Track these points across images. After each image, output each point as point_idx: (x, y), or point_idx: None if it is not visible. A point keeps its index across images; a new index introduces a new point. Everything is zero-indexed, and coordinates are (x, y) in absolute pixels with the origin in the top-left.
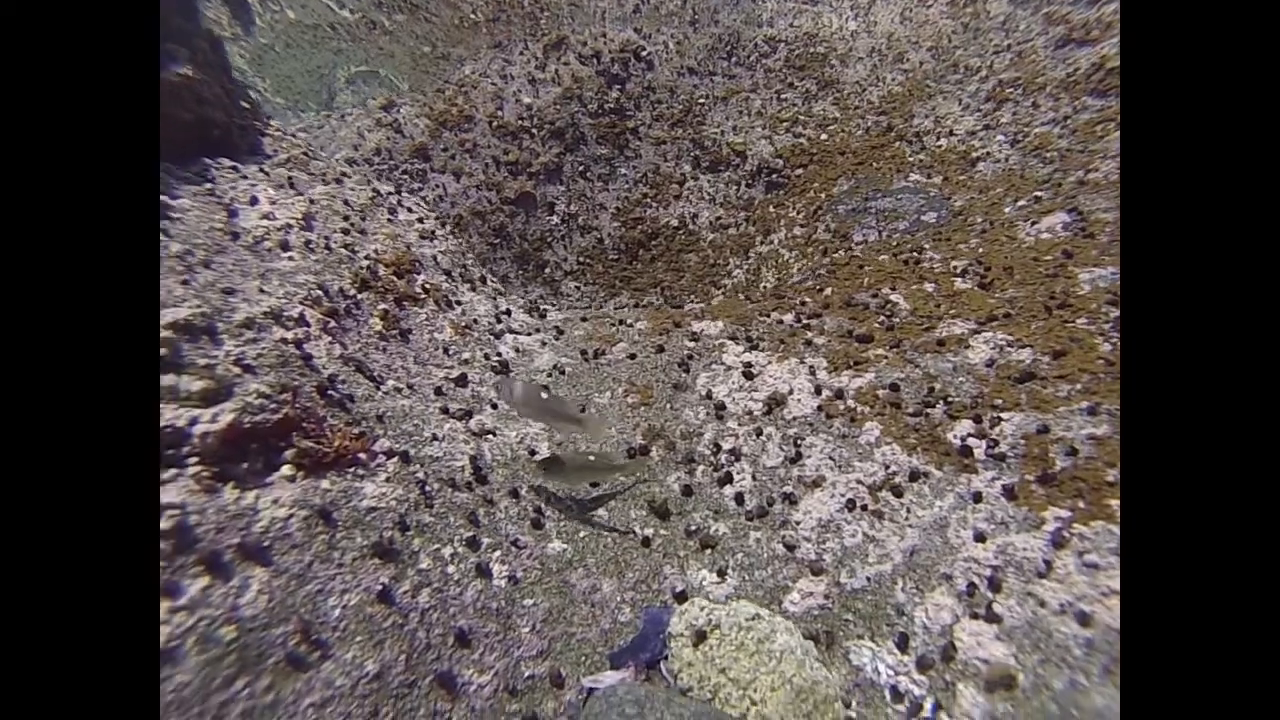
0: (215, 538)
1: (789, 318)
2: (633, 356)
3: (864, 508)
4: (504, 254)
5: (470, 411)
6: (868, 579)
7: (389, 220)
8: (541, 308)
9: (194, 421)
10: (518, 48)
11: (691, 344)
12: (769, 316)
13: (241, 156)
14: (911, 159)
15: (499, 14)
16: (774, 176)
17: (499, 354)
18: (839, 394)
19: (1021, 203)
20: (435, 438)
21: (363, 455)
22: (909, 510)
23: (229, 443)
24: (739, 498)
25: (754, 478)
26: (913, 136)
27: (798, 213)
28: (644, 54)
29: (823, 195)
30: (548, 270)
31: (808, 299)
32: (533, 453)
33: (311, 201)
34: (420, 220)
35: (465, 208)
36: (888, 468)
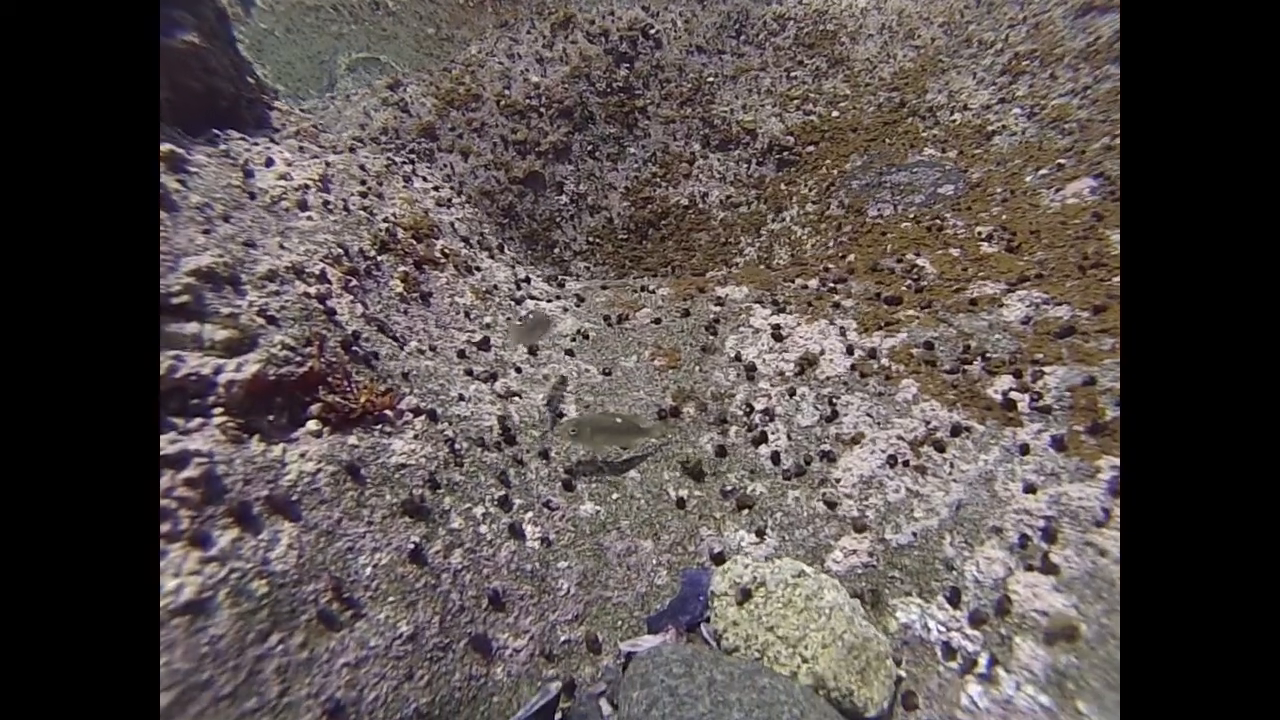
0: (243, 489)
1: (813, 283)
2: (658, 321)
3: (906, 463)
4: (513, 234)
5: (495, 374)
6: (914, 535)
7: (404, 187)
8: (559, 278)
9: (219, 371)
10: (524, 26)
11: (717, 308)
12: (793, 282)
13: (249, 129)
14: (925, 134)
15: None
16: (785, 154)
17: (522, 318)
18: (872, 353)
19: (1044, 171)
20: (462, 397)
21: (389, 412)
22: (953, 465)
23: (254, 394)
24: (775, 457)
25: (789, 437)
26: (926, 112)
27: (809, 189)
28: (652, 32)
29: (835, 172)
30: (557, 250)
31: (831, 265)
32: (559, 415)
33: (327, 165)
34: (435, 189)
35: (474, 187)
36: (928, 423)
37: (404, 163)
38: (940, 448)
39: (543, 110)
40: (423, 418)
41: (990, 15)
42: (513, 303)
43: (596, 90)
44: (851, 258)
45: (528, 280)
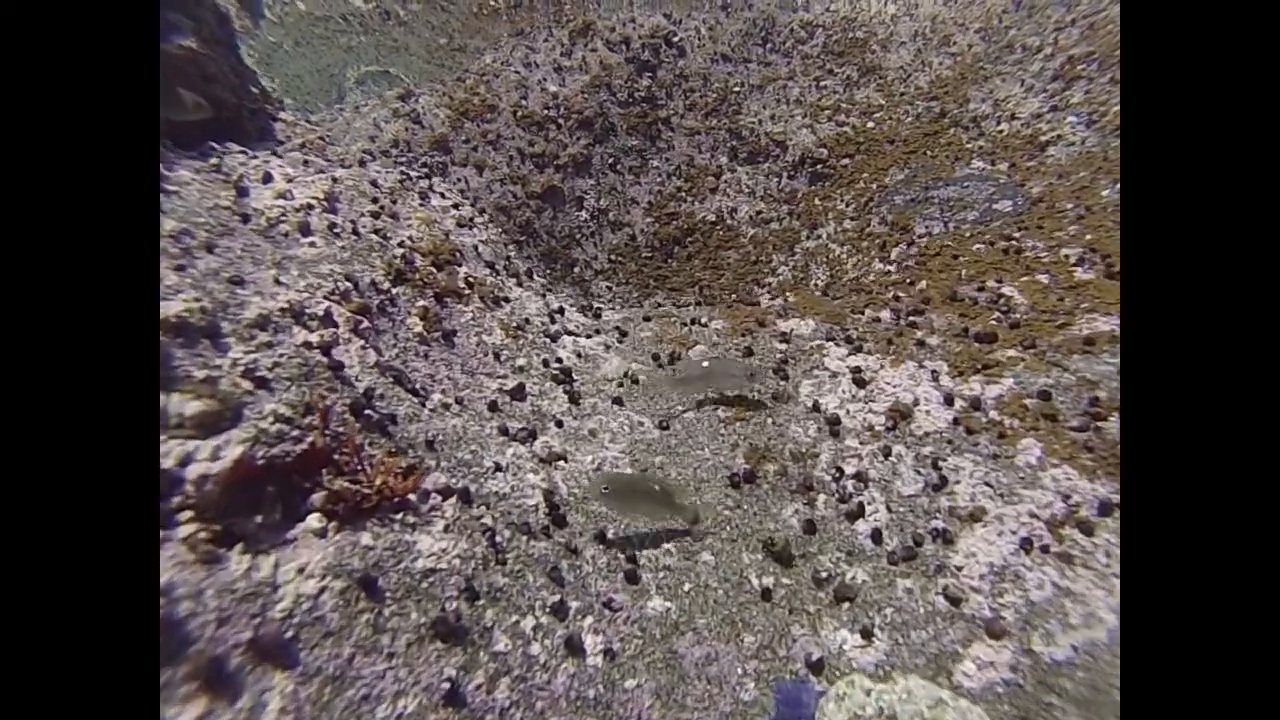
0: (216, 634)
1: (886, 315)
2: (717, 361)
3: (1045, 549)
4: (530, 252)
5: (533, 431)
6: (1074, 649)
7: (421, 205)
8: (595, 306)
9: (188, 460)
10: (541, 35)
11: (783, 345)
12: (862, 314)
13: (251, 142)
14: (970, 145)
15: (521, 0)
16: (818, 167)
17: (559, 359)
18: (975, 404)
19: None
20: (498, 467)
21: (412, 496)
22: (1109, 554)
23: (236, 486)
24: (876, 535)
25: (889, 508)
26: (969, 122)
27: (846, 205)
28: (675, 40)
29: (874, 186)
30: (577, 269)
31: (901, 294)
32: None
33: (334, 180)
34: (455, 206)
35: (489, 203)
36: (1066, 497)
37: (419, 177)
38: (1088, 530)
39: (561, 121)
40: (454, 500)
41: (1032, 19)
42: (547, 339)
43: (617, 100)
44: (924, 285)
45: (561, 311)
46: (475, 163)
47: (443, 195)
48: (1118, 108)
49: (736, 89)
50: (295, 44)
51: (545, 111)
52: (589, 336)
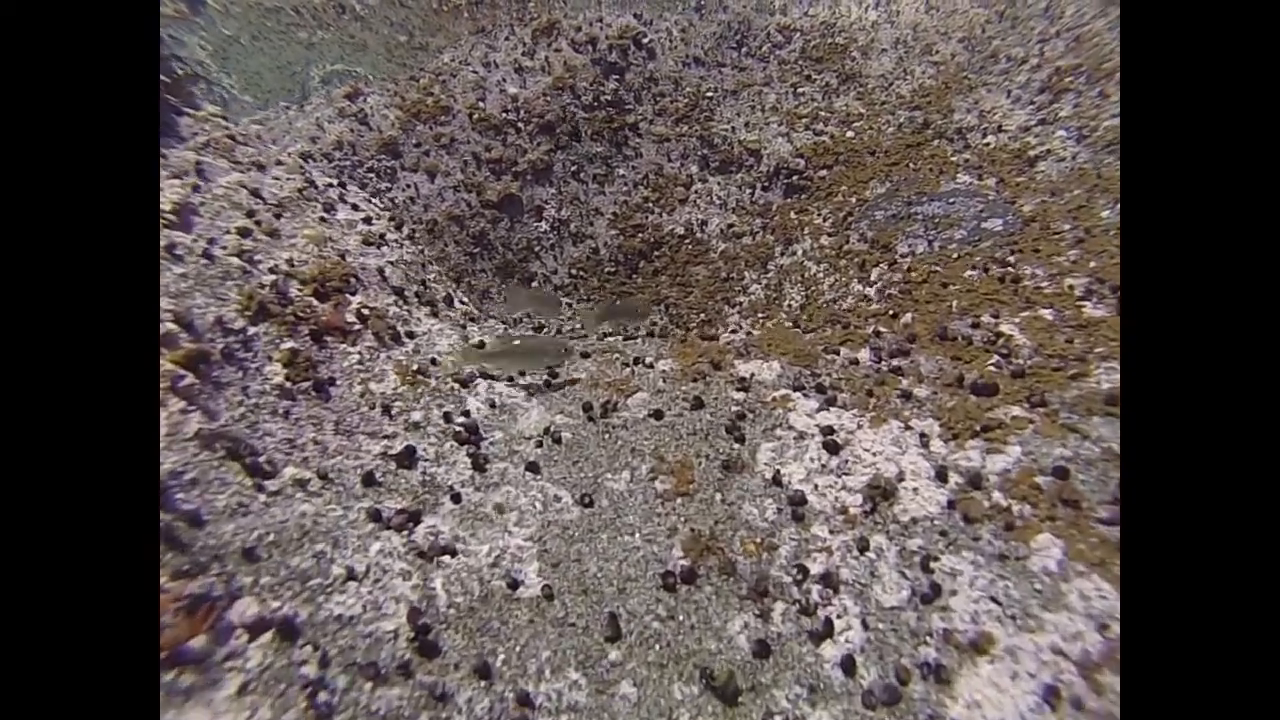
0: None
1: (865, 355)
2: (659, 415)
3: (1079, 705)
4: (484, 265)
5: (417, 512)
6: None
7: (321, 220)
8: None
9: None
10: (503, 33)
11: (740, 395)
12: (837, 353)
13: None
14: (956, 159)
15: None
16: (794, 179)
17: (465, 412)
18: (975, 480)
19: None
20: (352, 575)
21: (198, 641)
22: None
23: None
24: (847, 664)
25: (866, 625)
26: (954, 134)
27: (824, 219)
28: (645, 41)
29: (853, 199)
30: (535, 284)
31: (882, 328)
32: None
33: (196, 189)
34: (368, 220)
35: (440, 211)
36: (1102, 626)
37: (330, 184)
38: None
39: (521, 125)
40: (268, 638)
41: (1015, 30)
42: (456, 385)
43: (582, 104)
44: (909, 318)
45: (481, 346)
46: (427, 168)
47: (354, 207)
48: (1109, 122)
49: (709, 94)
50: (252, 38)
51: (504, 114)
52: (510, 380)
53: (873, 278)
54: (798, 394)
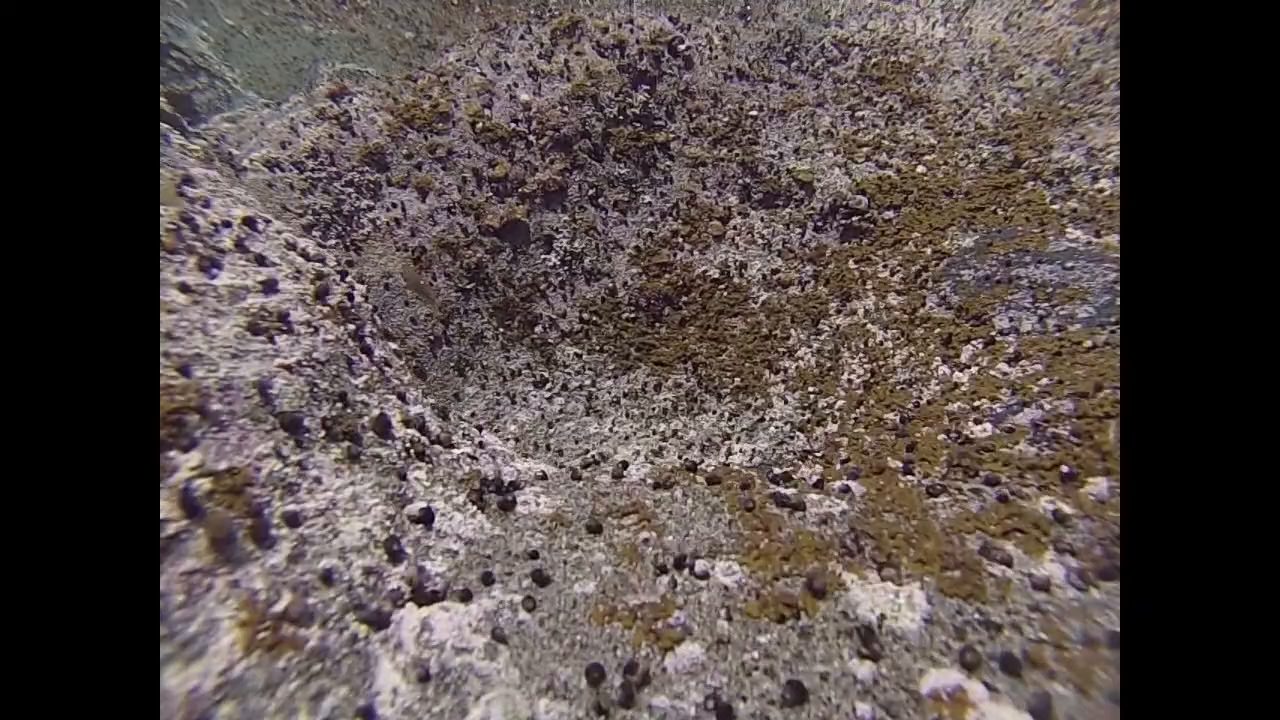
0: None
1: (1056, 572)
2: (727, 713)
3: None
4: (479, 304)
5: None
6: None
7: (182, 289)
8: (508, 497)
9: None
10: (518, 31)
11: (866, 671)
12: (1009, 564)
13: None
14: (1057, 206)
15: None
16: (854, 219)
17: (374, 693)
18: None
19: None
20: None
21: None
22: None
23: None
24: None
25: None
26: (1054, 175)
27: (892, 272)
28: (682, 48)
29: (928, 250)
30: (539, 329)
31: (1061, 503)
32: None
33: None
34: (269, 287)
35: (431, 237)
36: None
37: (230, 224)
38: None
39: (532, 139)
40: None
41: (1118, 52)
42: (361, 623)
43: (605, 117)
44: (1103, 486)
45: (428, 520)
46: (418, 184)
47: (260, 259)
48: None
49: (753, 113)
50: (255, 30)
51: (513, 125)
52: (463, 599)
53: (963, 358)
54: (973, 681)
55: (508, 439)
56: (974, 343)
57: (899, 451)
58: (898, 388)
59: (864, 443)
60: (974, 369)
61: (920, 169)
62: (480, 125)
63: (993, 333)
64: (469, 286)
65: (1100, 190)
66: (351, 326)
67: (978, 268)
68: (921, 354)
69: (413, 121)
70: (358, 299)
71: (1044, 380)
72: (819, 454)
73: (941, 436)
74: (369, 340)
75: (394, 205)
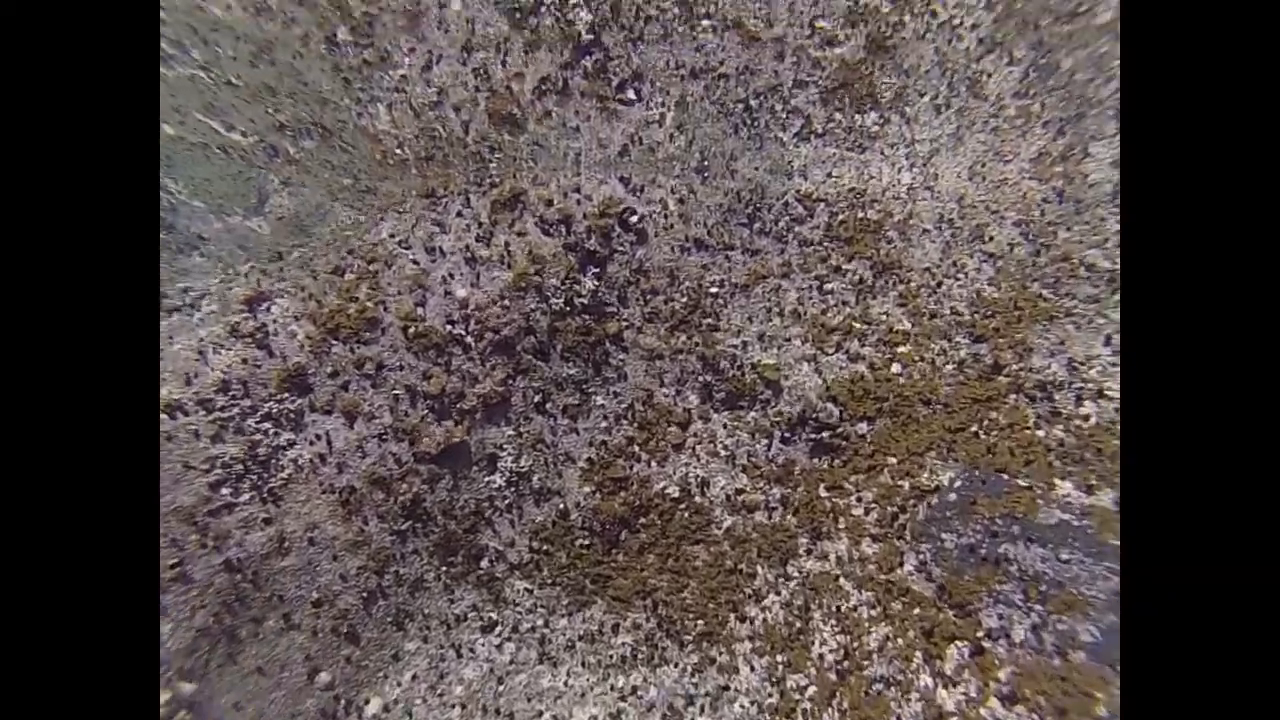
0: None
1: None
2: None
3: None
4: (417, 545)
5: None
6: None
7: None
8: None
9: None
10: (456, 202)
11: None
12: None
13: None
14: (1043, 434)
15: (433, 151)
16: (824, 434)
17: None
18: None
19: None
20: None
21: None
22: None
23: None
24: None
25: None
26: (1035, 388)
27: (866, 510)
28: (634, 221)
29: (905, 484)
30: (485, 562)
31: None
32: None
33: None
34: None
35: (360, 473)
36: None
37: None
38: None
39: (471, 342)
40: None
41: (1080, 217)
42: None
43: (551, 309)
44: None
45: None
46: (344, 407)
47: None
48: None
49: (713, 289)
50: (197, 143)
51: (449, 327)
52: None
53: (948, 667)
54: None
55: (452, 705)
56: (960, 645)
57: None
58: (874, 688)
59: None
60: (961, 697)
61: (895, 367)
62: (413, 330)
63: (980, 633)
64: (405, 528)
65: (1086, 417)
66: None
67: (960, 532)
68: (901, 639)
69: (338, 331)
70: None
71: None
72: None
73: None
74: None
75: (318, 437)
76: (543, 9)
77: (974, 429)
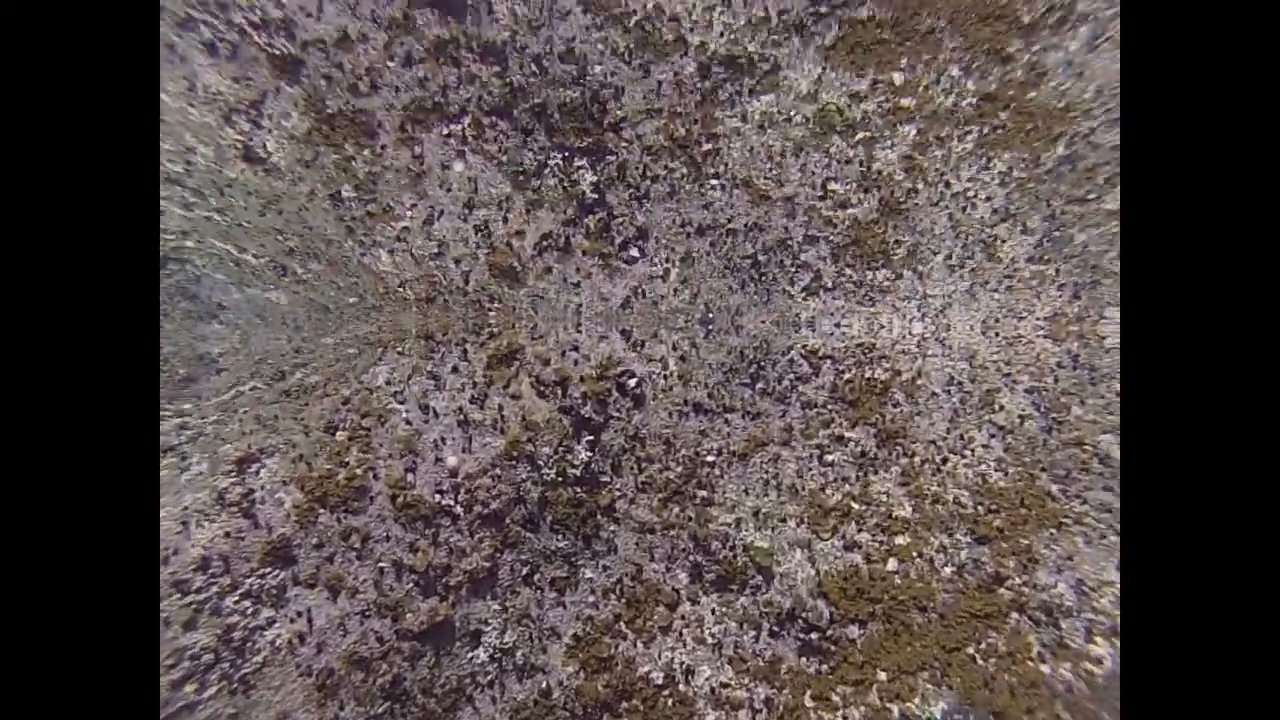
0: None
1: None
2: None
3: None
4: None
5: None
6: None
7: None
8: None
9: None
10: (452, 353)
11: None
12: None
13: None
14: (1048, 673)
15: (433, 294)
16: (813, 635)
17: None
18: None
19: None
20: None
21: None
22: None
23: None
24: None
25: None
26: (1039, 609)
27: None
28: (632, 386)
29: (894, 707)
30: None
31: None
32: None
33: None
34: None
35: (340, 654)
36: None
37: None
38: None
39: (460, 513)
40: None
41: (1094, 388)
42: None
43: (542, 479)
44: None
45: None
46: (329, 581)
47: None
48: None
49: (709, 459)
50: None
51: (438, 497)
52: None
53: None
54: None
55: None
56: None
57: None
58: None
59: None
60: None
61: (891, 563)
62: (401, 500)
63: None
64: (382, 711)
65: (1098, 661)
66: None
67: None
68: None
69: (325, 499)
70: None
71: None
72: None
73: None
74: None
75: (299, 614)
76: (546, 170)
77: (971, 650)
